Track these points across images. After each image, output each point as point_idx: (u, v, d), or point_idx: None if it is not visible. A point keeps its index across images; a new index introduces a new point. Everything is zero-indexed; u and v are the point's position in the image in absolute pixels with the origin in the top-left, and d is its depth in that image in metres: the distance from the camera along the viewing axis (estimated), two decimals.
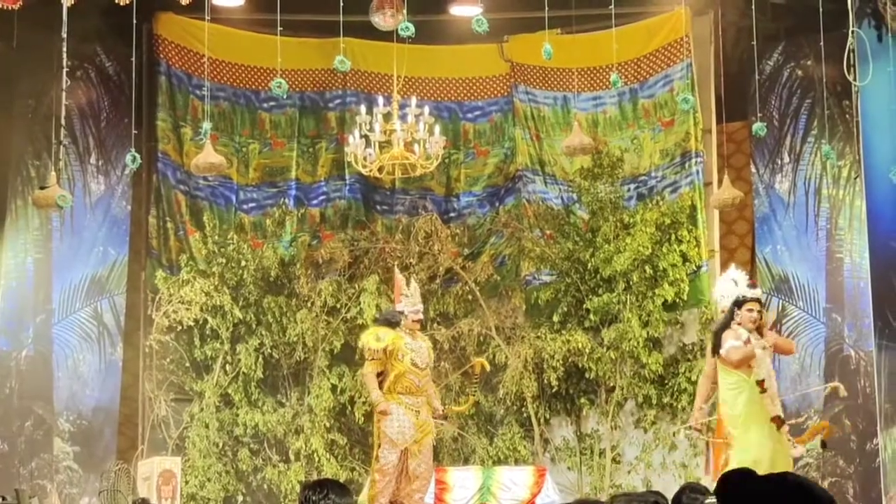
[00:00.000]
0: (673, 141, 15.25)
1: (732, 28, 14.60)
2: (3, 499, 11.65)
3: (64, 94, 11.19)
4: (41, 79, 13.92)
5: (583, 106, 15.59)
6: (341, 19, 11.12)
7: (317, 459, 14.82)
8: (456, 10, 14.96)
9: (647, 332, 14.66)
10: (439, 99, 15.91)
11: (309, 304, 15.20)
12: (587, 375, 14.92)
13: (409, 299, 12.02)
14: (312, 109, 16.07)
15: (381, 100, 12.90)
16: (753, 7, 11.95)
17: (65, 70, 11.11)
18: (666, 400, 14.72)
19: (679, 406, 14.46)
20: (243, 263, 15.17)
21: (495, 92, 16.18)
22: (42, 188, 11.68)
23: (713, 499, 6.63)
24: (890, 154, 12.83)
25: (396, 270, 12.96)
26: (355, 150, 12.38)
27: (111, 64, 15.04)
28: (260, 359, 15.10)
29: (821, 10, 11.75)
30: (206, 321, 15.10)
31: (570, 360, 14.81)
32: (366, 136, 12.33)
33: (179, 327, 15.02)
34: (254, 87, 15.81)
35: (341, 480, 10.35)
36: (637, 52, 15.28)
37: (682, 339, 14.93)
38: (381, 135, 12.29)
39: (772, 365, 10.75)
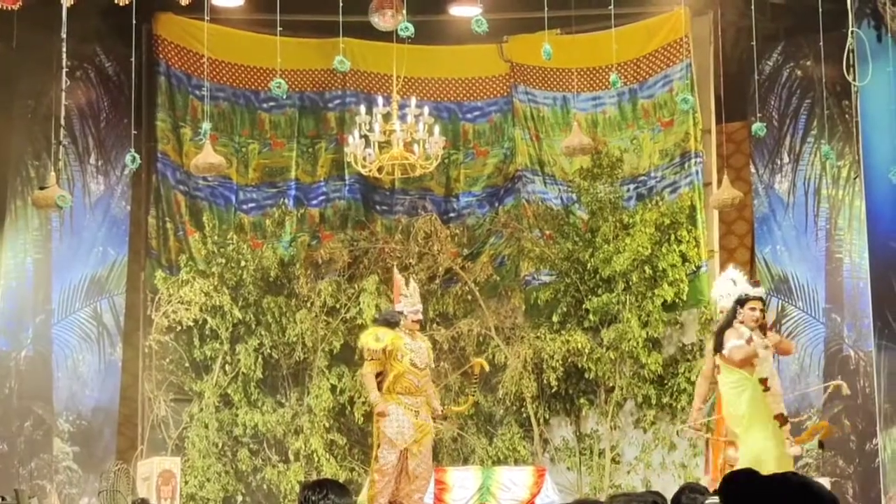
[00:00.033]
0: (672, 141, 15.25)
1: (732, 28, 14.61)
2: (3, 499, 11.66)
3: (63, 94, 11.20)
4: (41, 79, 13.92)
5: (582, 106, 15.60)
6: (341, 19, 11.12)
7: (316, 460, 14.82)
8: (455, 11, 14.96)
9: (647, 333, 14.66)
10: (439, 99, 15.91)
11: (308, 305, 15.20)
12: (587, 376, 14.93)
13: (408, 299, 12.03)
14: (312, 110, 16.07)
15: (380, 100, 12.91)
16: (753, 7, 11.95)
17: (64, 70, 11.12)
18: (665, 400, 14.72)
19: (678, 406, 14.46)
20: (243, 264, 15.17)
21: (495, 92, 16.19)
22: (42, 188, 11.68)
23: (714, 499, 6.64)
24: (889, 154, 12.83)
25: (395, 271, 12.98)
26: (355, 150, 12.38)
27: (111, 64, 15.04)
28: (259, 359, 15.10)
29: (820, 10, 11.76)
30: (205, 321, 15.10)
31: (569, 360, 14.81)
32: (365, 137, 12.33)
33: (179, 327, 15.02)
34: (253, 87, 15.81)
35: (341, 480, 10.34)
36: (636, 53, 15.28)
37: (682, 340, 14.93)
38: (380, 135, 12.29)
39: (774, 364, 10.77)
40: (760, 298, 10.68)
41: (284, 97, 13.74)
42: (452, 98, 16.15)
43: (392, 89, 12.85)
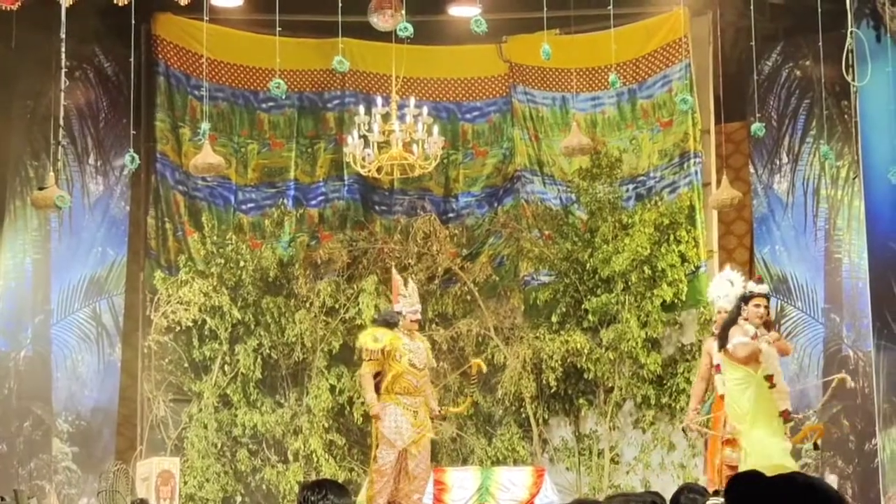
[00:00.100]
0: (671, 141, 15.25)
1: (731, 28, 14.60)
2: (2, 499, 11.66)
3: (62, 94, 11.20)
4: (40, 79, 13.92)
5: (581, 106, 15.60)
6: (340, 20, 11.11)
7: (315, 460, 14.81)
8: (454, 11, 14.96)
9: (646, 333, 14.65)
10: (438, 99, 15.90)
11: (307, 305, 15.20)
12: (586, 376, 14.92)
13: (406, 300, 12.04)
14: (311, 110, 16.06)
15: (379, 100, 12.90)
16: (752, 7, 11.95)
17: (63, 71, 11.12)
18: (664, 400, 14.71)
19: (678, 406, 14.45)
20: (242, 264, 15.16)
21: (494, 92, 16.18)
22: (41, 189, 11.68)
23: (715, 500, 6.64)
24: (888, 154, 12.83)
25: (394, 271, 12.98)
26: (354, 150, 12.38)
27: (110, 64, 15.03)
28: (258, 359, 15.09)
29: (819, 10, 11.76)
30: (204, 322, 15.10)
31: (568, 360, 14.81)
32: (364, 137, 12.33)
33: (178, 328, 15.01)
34: (252, 87, 15.81)
35: (340, 481, 10.35)
36: (636, 53, 15.28)
37: (681, 340, 14.93)
38: (379, 135, 12.29)
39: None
40: (765, 295, 10.71)
41: (283, 97, 13.74)
42: (451, 98, 16.14)
43: (391, 89, 12.86)
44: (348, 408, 15.06)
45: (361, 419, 14.70)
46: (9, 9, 11.18)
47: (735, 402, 10.43)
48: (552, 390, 15.01)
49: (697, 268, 14.83)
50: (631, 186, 15.44)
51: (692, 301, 14.73)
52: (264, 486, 15.08)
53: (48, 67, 13.14)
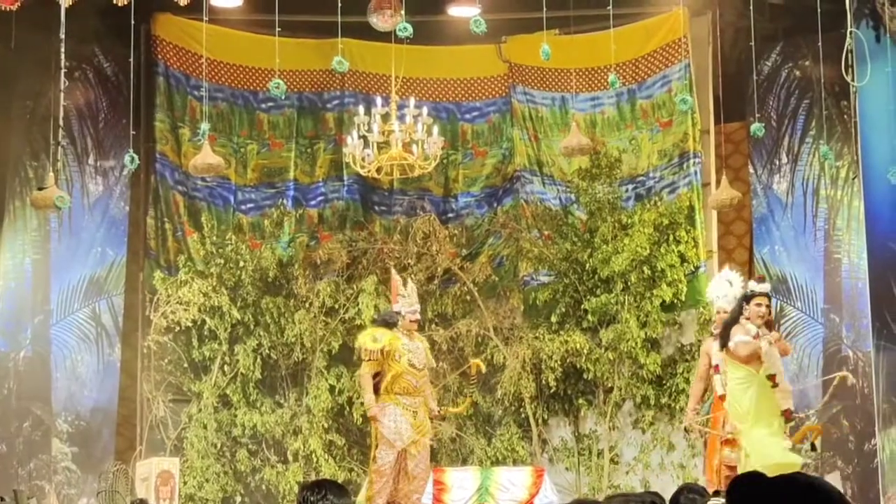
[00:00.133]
0: (671, 141, 15.25)
1: (730, 29, 14.60)
2: (2, 500, 11.66)
3: (62, 94, 11.21)
4: (39, 80, 13.92)
5: (581, 106, 15.60)
6: (339, 20, 11.11)
7: (315, 460, 14.81)
8: (454, 11, 14.95)
9: (645, 333, 14.66)
10: (437, 99, 15.90)
11: (307, 305, 15.20)
12: (585, 376, 14.92)
13: (406, 300, 12.04)
14: (310, 110, 16.06)
15: (379, 100, 12.91)
16: (751, 8, 11.95)
17: (63, 71, 11.13)
18: (664, 400, 14.71)
19: (677, 406, 14.45)
20: (241, 264, 15.16)
21: (493, 92, 16.18)
22: (40, 189, 11.69)
23: (715, 500, 6.64)
24: (888, 155, 12.83)
25: (393, 271, 12.98)
26: (353, 150, 12.38)
27: (109, 65, 15.04)
28: (258, 359, 15.09)
29: (819, 10, 11.76)
30: (204, 322, 15.10)
31: (568, 360, 14.81)
32: (364, 137, 12.33)
33: (177, 328, 15.01)
34: (252, 87, 15.81)
35: (339, 481, 10.35)
36: (635, 53, 15.28)
37: (680, 340, 14.93)
38: (379, 135, 12.29)
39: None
40: (766, 294, 10.72)
41: (283, 98, 13.74)
42: (451, 98, 16.14)
43: (391, 90, 12.86)
44: (348, 408, 15.06)
45: (361, 419, 14.69)
46: (8, 9, 11.17)
47: (736, 402, 10.43)
48: (552, 390, 15.01)
49: (697, 268, 14.83)
50: (630, 186, 15.44)
51: (692, 301, 14.73)
52: (264, 487, 15.08)
53: (48, 68, 13.15)
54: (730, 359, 10.47)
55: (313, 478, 13.85)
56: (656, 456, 14.80)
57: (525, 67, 15.89)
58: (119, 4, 10.55)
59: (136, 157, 11.07)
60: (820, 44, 12.23)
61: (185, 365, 15.20)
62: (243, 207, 15.80)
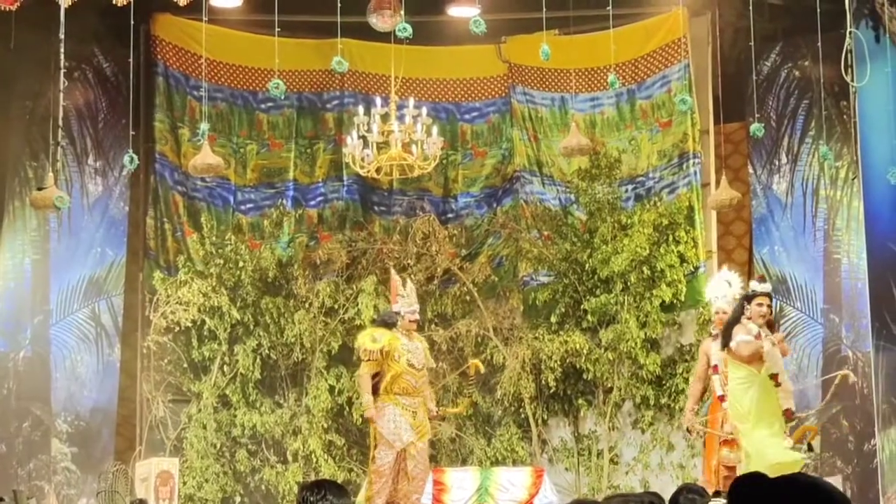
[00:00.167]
0: (670, 142, 15.25)
1: (730, 29, 14.60)
2: (2, 500, 11.66)
3: (61, 95, 11.20)
4: (38, 80, 13.93)
5: (580, 107, 15.60)
6: (339, 20, 11.11)
7: (314, 460, 14.81)
8: (454, 11, 14.94)
9: (645, 333, 14.66)
10: (437, 100, 15.90)
11: (307, 305, 15.20)
12: (585, 376, 14.93)
13: (405, 300, 12.04)
14: (310, 110, 16.06)
15: (378, 101, 12.90)
16: (751, 8, 11.95)
17: (62, 71, 11.12)
18: (663, 401, 14.72)
19: (676, 407, 14.45)
20: (241, 264, 15.16)
21: (493, 93, 16.18)
22: (40, 189, 11.68)
23: (717, 501, 6.65)
24: (887, 155, 12.83)
25: (393, 271, 12.98)
26: (353, 150, 12.37)
27: (109, 65, 15.04)
28: (258, 360, 15.08)
29: (818, 10, 11.76)
30: (203, 322, 15.09)
31: (567, 360, 14.82)
32: (363, 137, 12.32)
33: (177, 328, 15.01)
34: (251, 88, 15.81)
35: (339, 481, 10.35)
36: (635, 53, 15.28)
37: (680, 340, 14.93)
38: (378, 136, 12.29)
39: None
40: (768, 294, 10.73)
41: (282, 98, 13.73)
42: (450, 99, 16.14)
43: (390, 90, 12.86)
44: (347, 408, 15.06)
45: (360, 420, 14.68)
46: (8, 9, 11.17)
47: (737, 402, 10.43)
48: (551, 391, 15.01)
49: (696, 268, 14.83)
50: (630, 187, 15.44)
51: (691, 301, 14.73)
52: (263, 487, 15.08)
53: (47, 68, 13.15)
54: (731, 358, 10.47)
55: (313, 478, 13.85)
56: (656, 456, 14.80)
57: (525, 68, 15.90)
58: (118, 4, 10.55)
59: (135, 157, 11.06)
60: (819, 44, 12.23)
61: (185, 365, 15.20)
62: (243, 208, 15.80)
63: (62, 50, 10.86)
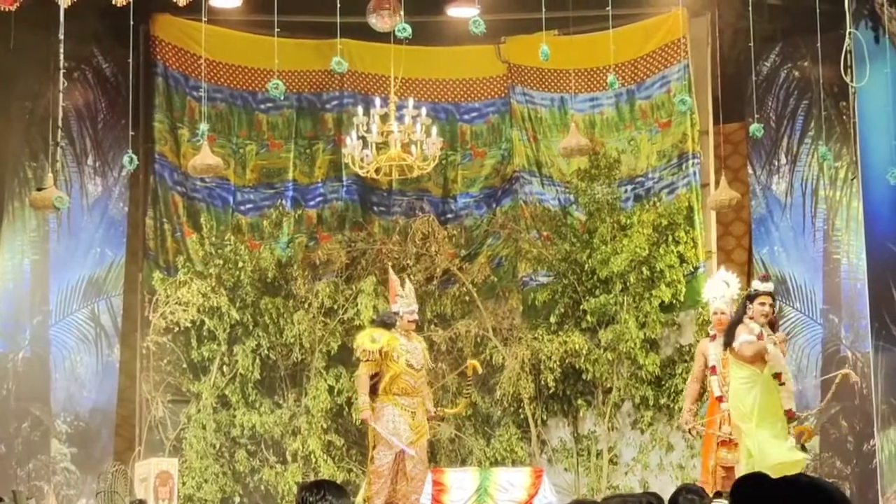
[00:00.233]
0: (670, 142, 15.25)
1: (729, 29, 14.60)
2: (1, 500, 11.66)
3: (61, 95, 11.20)
4: (38, 80, 13.93)
5: (580, 107, 15.60)
6: (338, 20, 11.11)
7: (314, 460, 14.81)
8: (453, 12, 14.93)
9: (644, 334, 14.66)
10: (436, 100, 15.90)
11: (306, 306, 15.20)
12: (584, 377, 14.93)
13: (403, 300, 12.03)
14: (309, 111, 16.06)
15: (378, 101, 12.89)
16: (750, 8, 11.95)
17: (62, 71, 11.13)
18: (663, 401, 14.72)
19: (676, 407, 14.44)
20: (240, 265, 15.16)
21: (492, 93, 16.18)
22: (39, 189, 11.68)
23: (719, 501, 6.66)
24: (887, 155, 12.82)
25: (391, 271, 12.97)
26: (352, 151, 12.37)
27: (108, 65, 15.03)
28: (257, 360, 15.08)
29: (818, 11, 11.76)
30: (203, 322, 15.09)
31: (567, 361, 14.81)
32: (363, 138, 12.32)
33: (176, 329, 15.01)
34: (251, 88, 15.81)
35: (338, 481, 10.35)
36: (634, 54, 15.28)
37: (679, 341, 14.93)
38: (378, 136, 12.28)
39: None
40: (770, 294, 10.73)
41: (282, 98, 13.73)
42: (450, 99, 16.14)
43: (390, 90, 12.86)
44: (347, 408, 15.05)
45: (360, 420, 14.69)
46: (7, 9, 11.17)
47: (740, 401, 10.43)
48: (550, 391, 15.01)
49: (696, 269, 14.83)
50: (629, 187, 15.44)
51: (690, 302, 14.73)
52: (263, 487, 15.08)
53: (46, 68, 13.16)
54: (734, 358, 10.47)
55: (312, 478, 13.85)
56: (655, 456, 14.80)
57: (524, 68, 15.90)
58: (118, 5, 10.54)
59: (134, 157, 11.05)
60: (819, 44, 12.23)
61: (184, 365, 15.20)
62: (242, 208, 15.80)
63: (62, 50, 10.86)
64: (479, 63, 16.09)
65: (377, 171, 12.54)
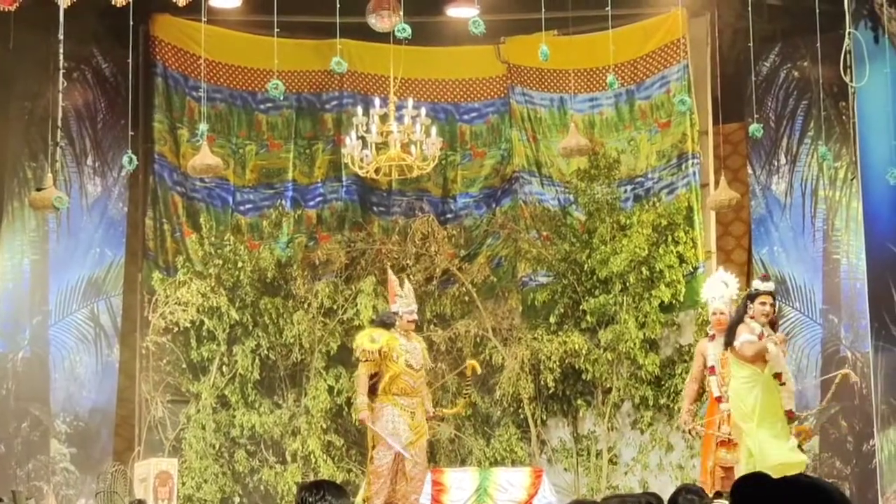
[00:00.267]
0: (669, 142, 15.25)
1: (729, 29, 14.60)
2: (1, 500, 11.66)
3: (60, 95, 11.19)
4: (38, 80, 13.92)
5: (579, 107, 15.60)
6: (338, 21, 11.11)
7: (313, 461, 14.81)
8: (452, 12, 14.93)
9: (644, 334, 14.66)
10: (436, 100, 15.91)
11: (305, 306, 15.20)
12: (584, 377, 14.93)
13: (403, 300, 12.03)
14: (309, 111, 16.06)
15: (377, 101, 12.88)
16: (750, 8, 11.95)
17: (61, 72, 11.12)
18: (662, 401, 14.72)
19: (675, 407, 14.44)
20: (240, 265, 15.16)
21: (492, 93, 16.18)
22: (38, 190, 11.68)
23: (720, 501, 6.66)
24: (886, 155, 12.83)
25: (390, 271, 12.97)
26: (352, 151, 12.37)
27: (108, 65, 15.03)
28: (256, 360, 15.08)
29: (817, 11, 11.76)
30: (202, 322, 15.09)
31: (566, 361, 14.81)
32: (362, 138, 12.32)
33: (176, 329, 15.01)
34: (250, 88, 15.81)
35: (338, 482, 10.34)
36: (634, 54, 15.28)
37: (679, 341, 14.93)
38: (377, 136, 12.28)
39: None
40: (771, 293, 10.73)
41: (281, 98, 13.75)
42: (449, 99, 16.14)
43: (389, 90, 12.86)
44: (346, 409, 15.05)
45: (359, 420, 14.69)
46: (7, 10, 11.17)
47: (741, 401, 10.43)
48: (550, 391, 15.01)
49: (695, 269, 14.83)
50: (629, 187, 15.44)
51: (690, 302, 14.73)
52: (262, 487, 15.08)
53: (46, 68, 13.15)
54: (735, 358, 10.47)
55: (312, 478, 13.85)
56: (655, 457, 14.80)
57: (523, 68, 15.90)
58: (118, 5, 10.54)
59: (134, 157, 11.05)
60: (818, 45, 12.23)
61: (184, 366, 15.20)
62: (242, 208, 15.80)
63: (61, 50, 10.86)
64: (479, 63, 16.10)
65: (377, 171, 12.54)
